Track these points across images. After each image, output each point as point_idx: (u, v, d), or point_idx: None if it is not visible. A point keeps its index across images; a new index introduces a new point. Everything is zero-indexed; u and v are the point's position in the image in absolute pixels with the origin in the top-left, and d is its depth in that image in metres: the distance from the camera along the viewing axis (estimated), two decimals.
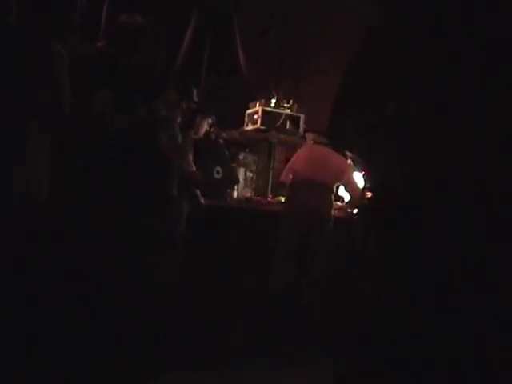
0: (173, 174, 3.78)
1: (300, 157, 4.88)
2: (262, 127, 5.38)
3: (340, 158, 4.75)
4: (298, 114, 5.51)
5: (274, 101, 5.44)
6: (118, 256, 3.04)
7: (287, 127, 5.47)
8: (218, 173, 4.76)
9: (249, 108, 5.55)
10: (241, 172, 5.27)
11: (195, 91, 4.29)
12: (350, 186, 4.90)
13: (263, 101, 5.39)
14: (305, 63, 6.14)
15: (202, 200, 4.45)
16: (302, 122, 5.48)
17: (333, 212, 4.73)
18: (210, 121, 4.50)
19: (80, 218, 2.87)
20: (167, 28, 5.25)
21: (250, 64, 6.22)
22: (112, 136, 2.86)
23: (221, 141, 4.97)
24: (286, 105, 5.52)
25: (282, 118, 5.40)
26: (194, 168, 4.27)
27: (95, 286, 2.89)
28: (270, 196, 5.39)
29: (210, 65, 6.01)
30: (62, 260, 2.75)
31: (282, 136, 5.51)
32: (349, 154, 4.46)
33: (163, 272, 3.80)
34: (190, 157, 4.16)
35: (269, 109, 5.38)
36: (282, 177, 4.92)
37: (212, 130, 4.69)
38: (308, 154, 4.85)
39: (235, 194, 5.11)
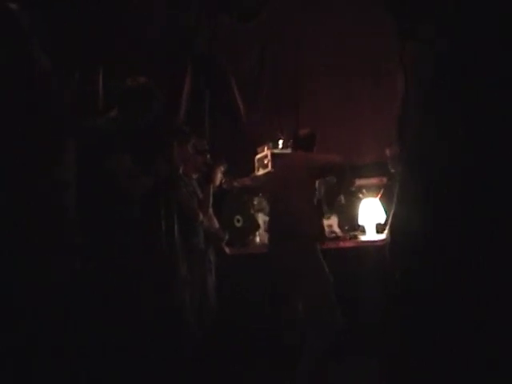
0: (198, 230, 3.79)
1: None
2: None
3: (302, 155, 4.12)
4: None
5: (281, 142, 5.45)
6: (150, 310, 3.03)
7: None
8: (238, 221, 4.77)
9: (257, 153, 5.56)
10: (259, 217, 5.27)
11: (206, 143, 4.34)
12: (328, 165, 3.98)
13: (270, 144, 5.40)
14: (302, 95, 6.16)
15: (227, 250, 4.44)
16: None
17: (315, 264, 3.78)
18: (222, 169, 4.52)
19: (111, 280, 2.88)
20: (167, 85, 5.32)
21: (251, 113, 6.25)
22: (137, 199, 2.88)
23: (234, 189, 4.99)
24: None
25: None
26: (216, 222, 4.27)
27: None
28: None
29: (213, 119, 6.07)
30: None
31: None
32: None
33: (197, 323, 3.76)
34: (211, 211, 4.17)
35: (277, 151, 5.37)
36: None
37: (223, 180, 4.70)
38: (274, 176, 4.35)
39: (257, 239, 5.09)
